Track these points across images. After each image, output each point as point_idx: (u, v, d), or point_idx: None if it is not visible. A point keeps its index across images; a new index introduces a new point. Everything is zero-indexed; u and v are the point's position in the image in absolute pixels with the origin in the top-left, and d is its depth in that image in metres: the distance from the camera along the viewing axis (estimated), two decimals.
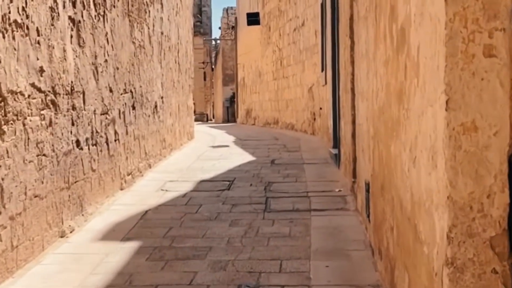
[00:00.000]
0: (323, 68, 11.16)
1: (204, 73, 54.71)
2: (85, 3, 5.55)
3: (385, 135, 3.45)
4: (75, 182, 5.25)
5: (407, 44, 2.61)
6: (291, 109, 16.29)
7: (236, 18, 25.81)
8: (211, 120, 42.79)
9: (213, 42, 43.40)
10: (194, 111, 43.05)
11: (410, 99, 2.53)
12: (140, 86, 7.80)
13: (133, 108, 7.41)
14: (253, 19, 19.69)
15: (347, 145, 6.79)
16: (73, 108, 5.24)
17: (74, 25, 5.30)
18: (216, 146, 11.58)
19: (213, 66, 45.49)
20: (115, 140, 6.58)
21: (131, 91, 7.28)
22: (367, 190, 4.48)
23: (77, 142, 5.33)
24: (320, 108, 12.39)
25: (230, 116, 28.76)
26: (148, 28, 8.28)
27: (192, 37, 13.22)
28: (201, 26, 55.44)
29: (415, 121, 2.42)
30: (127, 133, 7.07)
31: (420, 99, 2.31)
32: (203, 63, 52.32)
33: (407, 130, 2.63)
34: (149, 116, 8.29)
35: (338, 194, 6.44)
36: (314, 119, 13.51)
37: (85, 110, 5.56)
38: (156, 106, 8.76)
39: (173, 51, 10.37)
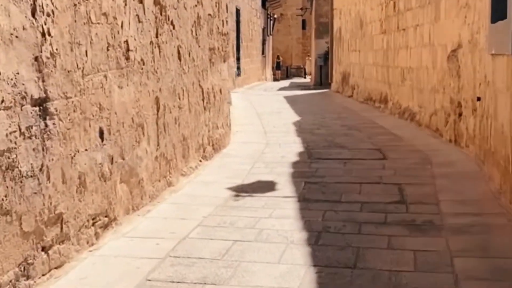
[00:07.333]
0: (503, 14, 4.63)
1: (303, 21, 47.81)
2: None
3: None
4: None
5: None
6: (410, 85, 9.72)
7: None
8: (309, 74, 36.91)
9: None
10: (290, 65, 36.95)
11: None
12: None
13: None
14: None
15: None
16: None
17: None
18: (247, 194, 5.27)
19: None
20: None
21: None
22: None
23: None
24: (478, 99, 5.92)
25: (323, 77, 22.21)
26: None
27: None
28: None
29: None
30: None
31: None
32: (301, 9, 45.42)
33: None
34: None
35: None
36: (460, 114, 6.98)
37: None
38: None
39: None
